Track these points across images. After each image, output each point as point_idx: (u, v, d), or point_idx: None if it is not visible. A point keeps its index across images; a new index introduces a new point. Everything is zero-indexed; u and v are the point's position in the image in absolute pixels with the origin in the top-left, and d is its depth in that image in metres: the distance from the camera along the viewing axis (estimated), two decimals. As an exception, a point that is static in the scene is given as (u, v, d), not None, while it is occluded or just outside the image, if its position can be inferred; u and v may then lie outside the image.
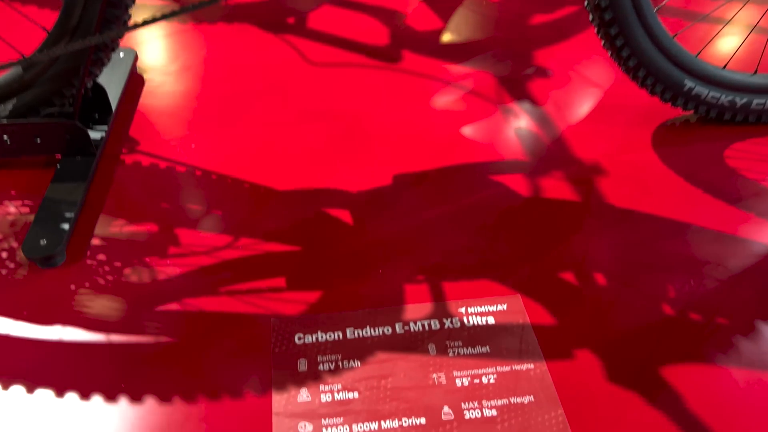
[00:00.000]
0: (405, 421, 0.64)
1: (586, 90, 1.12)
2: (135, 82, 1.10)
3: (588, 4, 0.92)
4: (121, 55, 1.10)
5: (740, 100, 1.00)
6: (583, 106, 1.08)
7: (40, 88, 0.85)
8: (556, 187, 0.92)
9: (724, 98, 1.00)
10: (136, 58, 1.12)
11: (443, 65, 1.17)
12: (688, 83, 0.98)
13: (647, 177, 0.95)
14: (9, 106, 0.86)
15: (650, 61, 0.95)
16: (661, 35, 0.94)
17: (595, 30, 0.95)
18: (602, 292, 0.78)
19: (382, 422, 0.64)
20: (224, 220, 0.86)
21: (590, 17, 0.94)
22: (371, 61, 1.18)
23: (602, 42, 0.95)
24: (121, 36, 0.80)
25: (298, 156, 0.97)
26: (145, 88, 1.09)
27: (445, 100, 1.09)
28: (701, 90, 0.99)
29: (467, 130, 1.03)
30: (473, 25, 1.29)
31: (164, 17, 0.74)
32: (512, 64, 1.18)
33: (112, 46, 0.86)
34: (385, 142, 1.00)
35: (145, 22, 0.76)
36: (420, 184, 0.93)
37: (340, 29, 1.27)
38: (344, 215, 0.88)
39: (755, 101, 1.01)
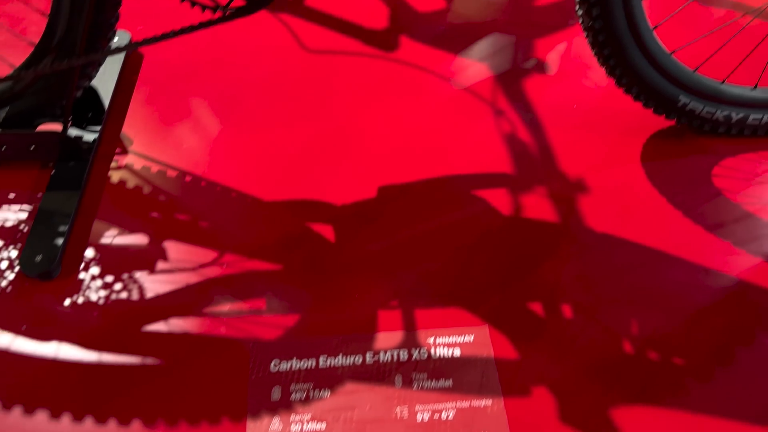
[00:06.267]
0: (367, 452, 0.70)
1: (583, 89, 1.10)
2: (133, 62, 1.10)
3: (582, 23, 0.90)
4: (116, 39, 1.10)
5: (736, 115, 0.99)
6: (578, 109, 1.07)
7: (31, 99, 0.87)
8: (537, 206, 0.94)
9: (720, 113, 0.98)
10: (131, 40, 1.12)
11: (441, 55, 1.15)
12: (683, 99, 0.96)
13: (629, 196, 0.95)
14: (3, 113, 0.88)
15: (643, 79, 0.93)
16: (658, 52, 0.91)
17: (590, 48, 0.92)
18: (566, 325, 0.82)
19: (346, 453, 0.70)
20: (211, 234, 0.90)
21: (585, 35, 0.91)
22: (368, 49, 1.16)
23: (597, 59, 0.93)
24: (103, 59, 0.81)
25: (287, 161, 0.99)
26: (139, 77, 1.09)
27: (437, 100, 1.08)
28: (696, 105, 0.97)
29: (457, 136, 1.03)
30: (477, 7, 1.25)
31: (145, 42, 0.75)
32: (512, 54, 1.16)
33: (98, 62, 0.87)
34: (374, 147, 1.01)
35: (129, 46, 0.76)
36: (404, 197, 0.95)
37: (339, 7, 1.24)
38: (327, 231, 0.91)
39: (752, 116, 0.99)
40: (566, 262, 0.88)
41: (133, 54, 1.12)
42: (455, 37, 1.19)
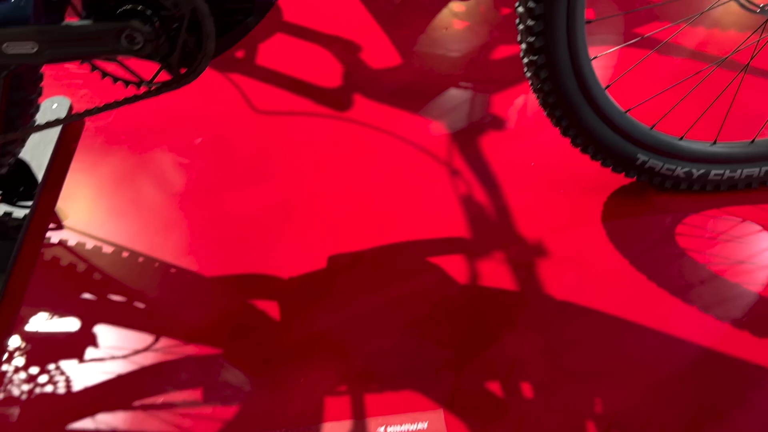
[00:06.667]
0: None
1: (541, 146, 1.06)
2: (73, 129, 1.06)
3: (532, 85, 0.87)
4: (54, 106, 1.05)
5: (697, 171, 0.96)
6: (536, 167, 1.03)
7: (-49, 177, 0.82)
8: (495, 273, 0.89)
9: (680, 170, 0.95)
10: (70, 108, 1.07)
11: (395, 113, 1.12)
12: (641, 157, 0.93)
13: (591, 259, 0.91)
14: None
15: (599, 139, 0.90)
16: (612, 112, 0.89)
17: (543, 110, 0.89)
18: (527, 406, 0.76)
19: None
20: (146, 316, 0.84)
21: (536, 96, 0.88)
22: (320, 108, 1.13)
23: (549, 120, 0.90)
24: (26, 136, 0.76)
25: (231, 230, 0.94)
26: (79, 145, 1.04)
27: (391, 160, 1.04)
28: (655, 163, 0.94)
29: (411, 200, 0.99)
30: (432, 64, 1.22)
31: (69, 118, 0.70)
32: (468, 111, 1.13)
33: (21, 139, 0.82)
34: (324, 214, 0.96)
35: (49, 124, 0.72)
36: (355, 267, 0.90)
37: (291, 65, 1.21)
38: (272, 308, 0.85)
39: (713, 172, 0.96)
40: (525, 334, 0.83)
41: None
42: (410, 94, 1.16)
